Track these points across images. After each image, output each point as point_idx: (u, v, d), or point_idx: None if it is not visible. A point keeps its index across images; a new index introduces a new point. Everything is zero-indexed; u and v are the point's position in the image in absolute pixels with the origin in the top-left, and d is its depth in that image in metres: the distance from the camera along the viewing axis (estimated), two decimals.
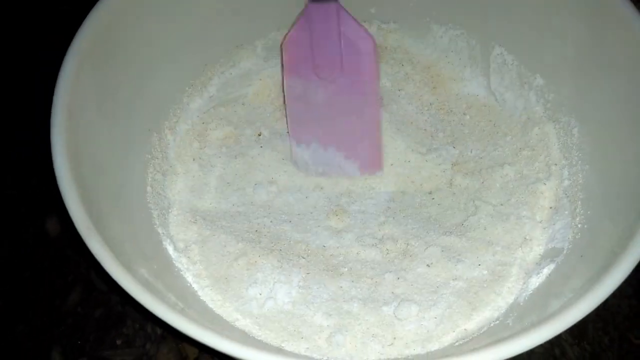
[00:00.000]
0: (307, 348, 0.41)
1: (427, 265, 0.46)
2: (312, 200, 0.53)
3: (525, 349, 0.31)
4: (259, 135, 0.56)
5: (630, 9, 0.42)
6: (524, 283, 0.44)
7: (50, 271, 0.53)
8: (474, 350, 0.32)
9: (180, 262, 0.46)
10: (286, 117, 0.54)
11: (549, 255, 0.45)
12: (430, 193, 0.53)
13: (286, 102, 0.53)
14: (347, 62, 0.50)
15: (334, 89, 0.52)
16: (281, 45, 0.54)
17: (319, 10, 0.49)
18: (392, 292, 0.45)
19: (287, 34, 0.53)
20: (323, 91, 0.52)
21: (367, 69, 0.51)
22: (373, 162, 0.53)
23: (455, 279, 0.45)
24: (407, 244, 0.49)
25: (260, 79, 0.59)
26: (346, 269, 0.47)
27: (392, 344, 0.42)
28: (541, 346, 0.44)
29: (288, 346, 0.41)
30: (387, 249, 0.48)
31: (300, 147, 0.53)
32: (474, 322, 0.42)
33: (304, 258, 0.48)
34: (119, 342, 0.50)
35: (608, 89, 0.45)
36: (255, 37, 0.58)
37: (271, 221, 0.51)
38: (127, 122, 0.47)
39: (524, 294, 0.43)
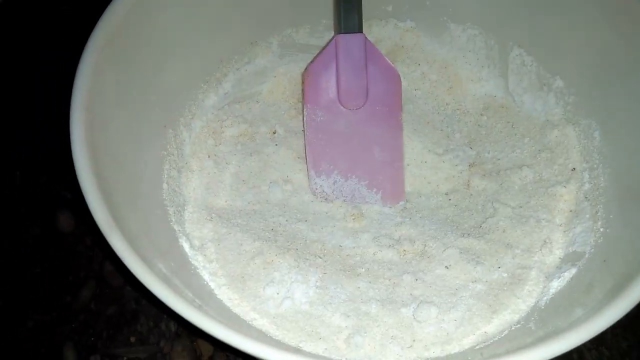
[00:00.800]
0: (326, 349, 0.41)
1: (446, 267, 0.46)
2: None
3: (551, 356, 0.31)
4: (274, 133, 0.56)
5: None
6: (545, 287, 0.43)
7: (62, 267, 0.53)
8: (497, 355, 0.32)
9: (197, 260, 0.45)
10: (305, 147, 0.53)
11: (570, 259, 0.44)
12: (446, 194, 0.53)
13: (306, 132, 0.53)
14: (373, 92, 0.51)
15: (357, 119, 0.52)
16: (303, 74, 0.54)
17: (347, 41, 0.50)
18: (411, 294, 0.44)
19: (310, 63, 0.53)
20: (346, 121, 0.52)
21: (392, 99, 0.52)
22: (395, 193, 0.52)
23: (475, 281, 0.45)
24: (425, 245, 0.48)
25: (275, 76, 0.58)
26: (363, 270, 0.47)
27: (411, 346, 0.41)
28: None
29: (306, 346, 0.41)
30: (404, 250, 0.48)
31: (320, 178, 0.53)
32: (494, 325, 0.42)
33: (320, 258, 0.47)
34: (132, 339, 0.49)
35: (630, 92, 0.45)
36: (271, 34, 0.58)
37: (287, 220, 0.50)
38: (143, 118, 0.47)
39: (545, 298, 0.42)
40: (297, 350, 0.39)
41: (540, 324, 0.39)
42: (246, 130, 0.56)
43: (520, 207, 0.49)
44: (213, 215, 0.49)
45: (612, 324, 0.32)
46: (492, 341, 0.40)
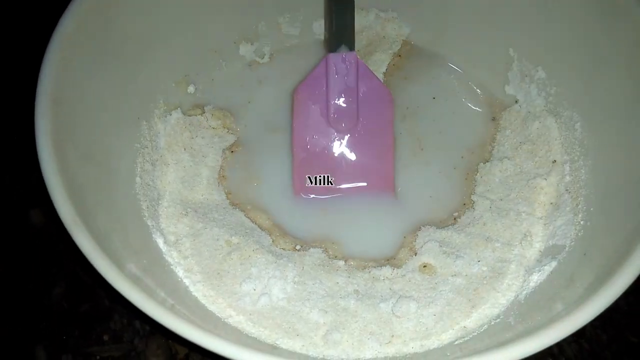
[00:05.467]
0: (303, 345, 0.40)
1: (425, 260, 0.45)
2: None
3: (531, 353, 0.30)
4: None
5: (635, 2, 0.41)
6: (525, 280, 0.43)
7: (34, 264, 0.51)
8: (476, 352, 0.31)
9: (171, 256, 0.44)
10: (292, 167, 0.51)
11: (550, 252, 0.44)
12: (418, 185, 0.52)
13: (294, 152, 0.51)
14: (364, 114, 0.50)
15: (348, 141, 0.50)
16: (292, 94, 0.52)
17: (338, 60, 0.48)
18: (390, 289, 0.44)
19: (300, 83, 0.51)
20: (336, 143, 0.50)
21: (383, 121, 0.50)
22: (384, 182, 0.51)
23: (455, 275, 0.44)
24: (404, 238, 0.48)
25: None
26: (342, 263, 0.46)
27: (389, 341, 0.40)
28: None
29: (283, 343, 0.40)
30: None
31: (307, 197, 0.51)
32: (473, 320, 0.41)
33: (298, 251, 0.46)
34: (105, 337, 0.48)
35: (612, 84, 0.44)
36: (256, 23, 0.57)
37: None
38: (115, 110, 0.45)
39: (525, 292, 0.42)
40: (272, 350, 0.38)
41: (519, 318, 0.39)
42: (224, 122, 0.54)
43: (501, 199, 0.49)
44: (189, 209, 0.48)
45: (592, 319, 0.31)
46: (471, 336, 0.40)
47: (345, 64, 0.48)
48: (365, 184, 0.51)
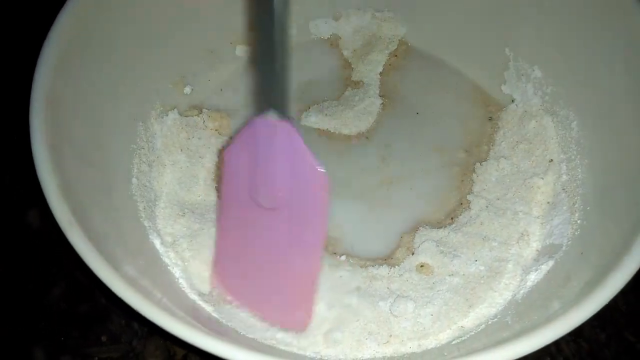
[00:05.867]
0: (301, 343, 0.40)
1: (422, 260, 0.45)
2: None
3: (528, 351, 0.30)
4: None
5: (631, 0, 0.41)
6: (522, 280, 0.43)
7: (32, 265, 0.51)
8: (474, 351, 0.31)
9: (168, 257, 0.44)
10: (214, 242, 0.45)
11: (547, 251, 0.44)
12: (414, 186, 0.52)
13: (217, 223, 0.45)
14: (290, 195, 0.39)
15: (270, 221, 0.40)
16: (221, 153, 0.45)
17: (266, 128, 0.38)
18: (388, 288, 0.44)
19: (230, 142, 0.41)
20: (258, 221, 0.41)
21: (311, 209, 0.39)
22: (296, 320, 0.42)
23: (452, 274, 0.44)
24: (400, 238, 0.48)
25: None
26: (344, 258, 0.46)
27: (387, 341, 0.41)
28: None
29: (283, 340, 0.40)
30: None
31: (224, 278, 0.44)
32: (471, 319, 0.41)
33: None
34: (104, 338, 0.48)
35: (608, 82, 0.44)
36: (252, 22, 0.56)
37: None
38: (111, 110, 0.45)
39: (522, 291, 0.42)
40: (270, 351, 0.38)
41: (517, 317, 0.39)
42: (221, 123, 0.54)
43: (497, 199, 0.49)
44: (186, 210, 0.48)
45: (589, 317, 0.31)
46: (468, 336, 0.40)
47: (273, 135, 0.38)
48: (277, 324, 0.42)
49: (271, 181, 0.39)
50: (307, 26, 0.59)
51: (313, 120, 0.55)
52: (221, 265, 0.44)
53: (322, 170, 0.37)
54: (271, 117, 0.37)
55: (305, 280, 0.41)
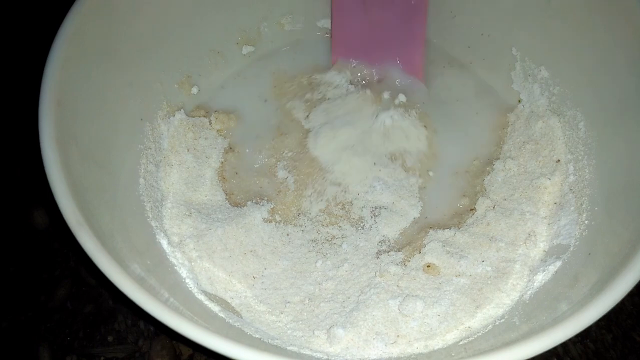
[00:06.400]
0: (309, 347, 0.40)
1: (428, 260, 0.45)
2: None
3: (536, 353, 0.30)
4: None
5: (638, 1, 0.41)
6: (529, 280, 0.43)
7: (37, 265, 0.51)
8: (481, 352, 0.31)
9: (175, 256, 0.44)
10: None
11: (555, 252, 0.43)
12: (425, 188, 0.52)
13: (332, 16, 0.53)
14: None
15: (381, 12, 0.52)
16: None
17: None
18: (397, 285, 0.44)
19: None
20: (371, 13, 0.51)
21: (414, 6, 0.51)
22: (415, 65, 0.53)
23: (459, 275, 0.44)
24: (407, 237, 0.48)
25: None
26: (348, 257, 0.46)
27: (395, 342, 0.40)
28: None
29: (288, 340, 0.40)
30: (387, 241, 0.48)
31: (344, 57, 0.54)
32: (478, 320, 0.41)
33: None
34: (110, 338, 0.48)
35: (615, 82, 0.44)
36: (258, 24, 0.57)
37: None
38: (119, 111, 0.45)
39: (530, 291, 0.41)
40: (276, 350, 0.38)
41: (524, 318, 0.38)
42: (228, 124, 0.54)
43: (504, 199, 0.49)
44: (192, 210, 0.48)
45: (597, 319, 0.31)
46: (476, 336, 0.39)
47: None
48: (397, 61, 0.54)
49: None
50: (314, 24, 0.59)
51: (320, 122, 0.55)
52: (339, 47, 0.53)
53: None
54: None
55: (417, 35, 0.52)
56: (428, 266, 0.45)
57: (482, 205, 0.49)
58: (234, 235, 0.46)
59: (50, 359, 0.47)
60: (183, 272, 0.43)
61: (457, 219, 0.49)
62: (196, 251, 0.45)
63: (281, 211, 0.50)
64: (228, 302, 0.43)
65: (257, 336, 0.40)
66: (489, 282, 0.43)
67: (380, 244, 0.48)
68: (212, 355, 0.47)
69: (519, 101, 0.54)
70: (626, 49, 0.43)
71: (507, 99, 0.55)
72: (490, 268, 0.44)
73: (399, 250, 0.47)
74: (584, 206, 0.44)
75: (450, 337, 0.40)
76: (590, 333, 0.48)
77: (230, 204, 0.50)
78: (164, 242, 0.44)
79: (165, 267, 0.42)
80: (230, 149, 0.53)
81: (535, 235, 0.46)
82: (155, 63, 0.50)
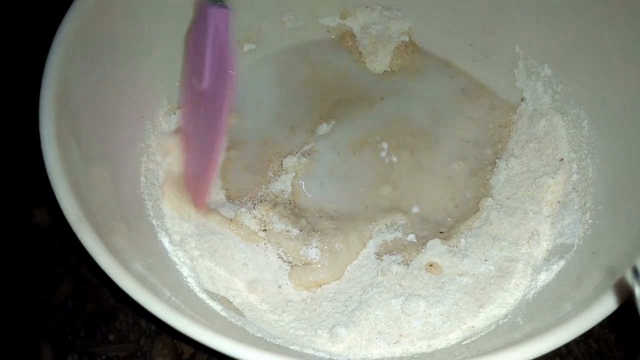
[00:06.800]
0: (311, 347, 0.40)
1: (431, 259, 0.45)
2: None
3: (540, 354, 0.30)
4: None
5: None
6: (532, 280, 0.43)
7: (38, 264, 0.51)
8: (484, 352, 0.31)
9: (176, 255, 0.44)
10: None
11: (558, 251, 0.43)
12: (427, 186, 0.51)
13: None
14: (212, 78, 0.43)
15: (201, 101, 0.45)
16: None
17: (202, 11, 0.43)
18: (400, 285, 0.43)
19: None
20: (195, 100, 0.46)
21: (222, 93, 0.43)
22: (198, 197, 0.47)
23: (462, 274, 0.44)
24: (408, 235, 0.48)
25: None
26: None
27: (397, 341, 0.40)
28: None
29: (290, 339, 0.40)
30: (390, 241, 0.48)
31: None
32: (481, 319, 0.41)
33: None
34: (111, 337, 0.48)
35: (619, 80, 0.44)
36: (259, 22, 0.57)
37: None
38: (120, 109, 0.45)
39: (533, 291, 0.41)
40: (278, 349, 0.38)
41: (528, 318, 0.38)
42: (229, 122, 0.54)
43: (507, 198, 0.48)
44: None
45: (602, 319, 0.31)
46: (479, 336, 0.39)
47: (206, 17, 0.42)
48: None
49: (201, 64, 0.43)
50: (316, 22, 0.58)
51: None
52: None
53: (232, 63, 0.41)
54: (211, 3, 0.41)
55: (207, 163, 0.45)
56: (431, 265, 0.45)
57: (484, 204, 0.48)
58: (234, 241, 0.46)
59: (52, 358, 0.47)
60: (184, 271, 0.43)
61: (460, 218, 0.49)
62: (198, 250, 0.45)
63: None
64: (230, 301, 0.43)
65: (259, 335, 0.40)
66: (492, 281, 0.43)
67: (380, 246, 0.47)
68: (214, 355, 0.47)
69: (522, 99, 0.53)
70: (630, 47, 0.43)
71: (510, 97, 0.54)
72: (493, 267, 0.44)
73: (401, 249, 0.47)
74: (587, 205, 0.44)
75: (453, 337, 0.40)
76: (594, 332, 0.47)
77: (231, 202, 0.50)
78: (165, 241, 0.44)
79: (166, 266, 0.42)
80: (230, 147, 0.53)
81: (538, 235, 0.45)
82: (156, 60, 0.49)
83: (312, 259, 0.46)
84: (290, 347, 0.39)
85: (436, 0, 0.56)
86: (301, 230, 0.47)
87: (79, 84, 0.40)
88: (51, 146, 0.35)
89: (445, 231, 0.47)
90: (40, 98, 0.37)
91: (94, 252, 0.33)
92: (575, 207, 0.45)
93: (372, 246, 0.47)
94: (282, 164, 0.52)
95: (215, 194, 0.50)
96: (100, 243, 0.33)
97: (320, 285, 0.45)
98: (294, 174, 0.51)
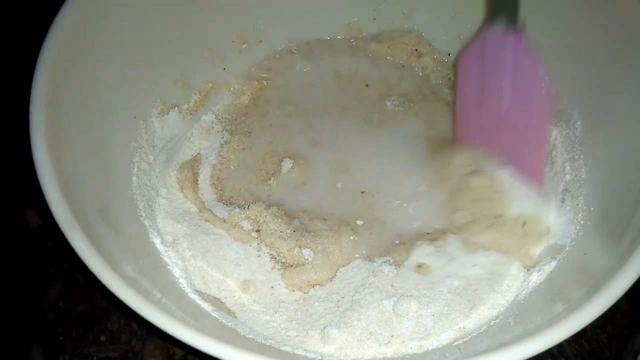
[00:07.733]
0: (303, 348, 0.40)
1: (419, 259, 0.45)
2: None
3: (531, 354, 0.30)
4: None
5: (635, 0, 0.41)
6: (524, 280, 0.43)
7: (30, 264, 0.51)
8: (476, 353, 0.31)
9: (168, 256, 0.43)
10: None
11: (550, 252, 0.43)
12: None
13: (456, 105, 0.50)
14: (515, 99, 0.44)
15: (499, 119, 0.46)
16: (456, 62, 0.50)
17: (493, 36, 0.43)
18: (391, 285, 0.43)
19: (463, 50, 0.48)
20: (488, 116, 0.47)
21: (535, 114, 0.45)
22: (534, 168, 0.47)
23: (449, 276, 0.44)
24: (399, 236, 0.48)
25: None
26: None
27: (389, 342, 0.40)
28: None
29: (282, 340, 0.40)
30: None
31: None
32: (472, 320, 0.41)
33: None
34: (102, 338, 0.48)
35: (612, 82, 0.44)
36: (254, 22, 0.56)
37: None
38: (112, 109, 0.45)
39: (525, 292, 0.41)
40: (269, 352, 0.38)
41: (519, 319, 0.38)
42: (222, 123, 0.54)
43: None
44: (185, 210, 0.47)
45: (593, 320, 0.31)
46: (470, 337, 0.39)
47: (500, 43, 0.42)
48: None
49: (498, 85, 0.44)
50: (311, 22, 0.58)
51: None
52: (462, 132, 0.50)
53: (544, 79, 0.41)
54: (499, 27, 0.41)
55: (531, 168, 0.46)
56: (419, 266, 0.45)
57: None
58: (226, 241, 0.46)
59: (43, 359, 0.47)
60: (176, 272, 0.43)
61: (448, 226, 0.49)
62: (190, 250, 0.45)
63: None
64: (222, 302, 0.43)
65: (250, 336, 0.40)
66: (484, 282, 0.43)
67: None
68: (205, 357, 0.47)
69: None
70: (623, 48, 0.43)
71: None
72: (483, 271, 0.44)
73: (389, 251, 0.47)
74: (580, 206, 0.44)
75: (445, 338, 0.40)
76: (586, 333, 0.48)
77: (223, 203, 0.50)
78: (157, 241, 0.44)
79: (158, 267, 0.42)
80: (225, 147, 0.53)
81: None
82: (149, 61, 0.49)
83: (305, 259, 0.46)
84: (282, 348, 0.39)
85: (436, 2, 0.55)
86: (294, 231, 0.47)
87: (70, 84, 0.40)
88: (41, 147, 0.35)
89: (432, 232, 0.47)
90: (31, 99, 0.37)
91: (84, 256, 0.33)
92: (568, 207, 0.45)
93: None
94: (277, 165, 0.51)
95: (209, 194, 0.50)
96: (91, 246, 0.33)
97: (313, 286, 0.45)
98: (290, 175, 0.51)
